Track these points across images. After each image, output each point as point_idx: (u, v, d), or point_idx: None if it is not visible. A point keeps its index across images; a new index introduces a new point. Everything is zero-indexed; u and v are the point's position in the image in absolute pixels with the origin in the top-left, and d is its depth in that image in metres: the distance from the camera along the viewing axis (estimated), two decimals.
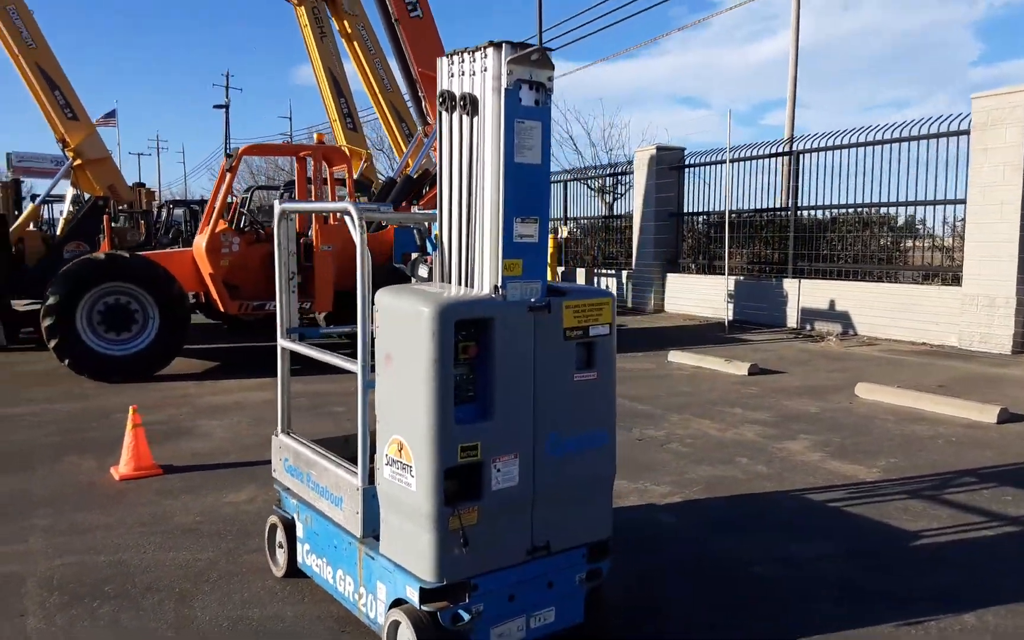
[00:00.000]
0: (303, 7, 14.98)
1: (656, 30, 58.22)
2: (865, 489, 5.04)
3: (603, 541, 3.14)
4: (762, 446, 6.00)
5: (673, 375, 8.91)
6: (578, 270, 17.18)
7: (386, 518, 2.92)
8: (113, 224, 18.74)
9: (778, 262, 13.45)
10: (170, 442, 6.16)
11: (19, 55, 12.90)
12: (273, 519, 3.81)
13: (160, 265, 9.12)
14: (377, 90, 14.40)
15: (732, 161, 13.35)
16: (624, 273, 15.87)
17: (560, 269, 17.37)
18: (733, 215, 13.67)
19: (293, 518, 3.66)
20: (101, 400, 7.70)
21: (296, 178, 10.26)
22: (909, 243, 12.46)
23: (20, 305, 10.15)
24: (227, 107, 51.26)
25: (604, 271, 16.59)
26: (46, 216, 20.97)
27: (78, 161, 13.39)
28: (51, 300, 8.51)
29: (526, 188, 2.84)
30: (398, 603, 2.85)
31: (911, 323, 10.95)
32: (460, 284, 2.95)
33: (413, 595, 2.75)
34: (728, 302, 12.96)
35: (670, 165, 14.85)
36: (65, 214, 14.93)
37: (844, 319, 11.87)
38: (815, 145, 12.61)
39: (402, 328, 2.76)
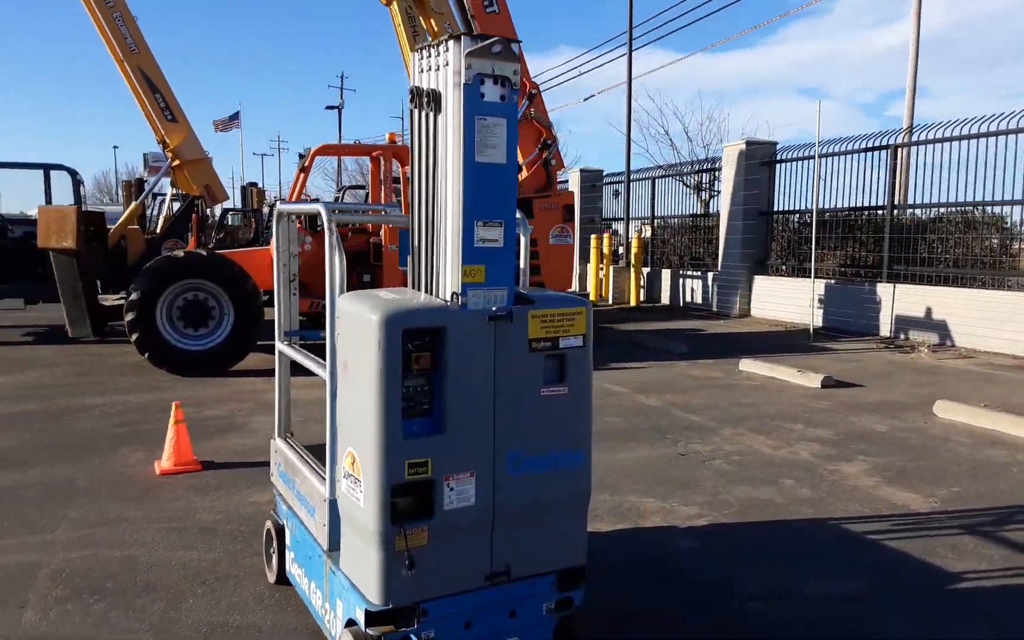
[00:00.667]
0: (396, 5, 15.21)
1: (772, 17, 56.10)
2: (915, 520, 4.60)
3: (575, 568, 2.94)
4: (813, 467, 5.59)
5: (740, 386, 8.49)
6: (663, 271, 16.73)
7: (344, 532, 2.82)
8: (226, 222, 19.60)
9: (872, 265, 12.65)
10: (219, 437, 6.31)
11: (123, 59, 13.62)
12: (268, 524, 3.79)
13: (235, 263, 9.40)
14: None
15: (823, 156, 12.65)
16: (710, 275, 15.33)
17: (645, 270, 16.99)
18: (828, 214, 12.97)
19: (283, 524, 3.63)
20: (172, 393, 7.96)
21: (370, 178, 10.39)
22: (1018, 246, 11.46)
23: (110, 300, 10.69)
24: (339, 108, 52.80)
25: (690, 272, 16.09)
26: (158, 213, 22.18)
27: (176, 161, 14.03)
28: (133, 296, 8.90)
29: (488, 189, 2.67)
30: (350, 623, 2.75)
31: (1015, 334, 10.06)
32: (425, 290, 2.82)
33: (360, 616, 2.65)
34: (818, 307, 12.30)
35: (760, 160, 14.22)
36: (165, 212, 15.69)
37: (941, 328, 11.04)
38: (919, 138, 11.77)
39: (355, 335, 2.65)
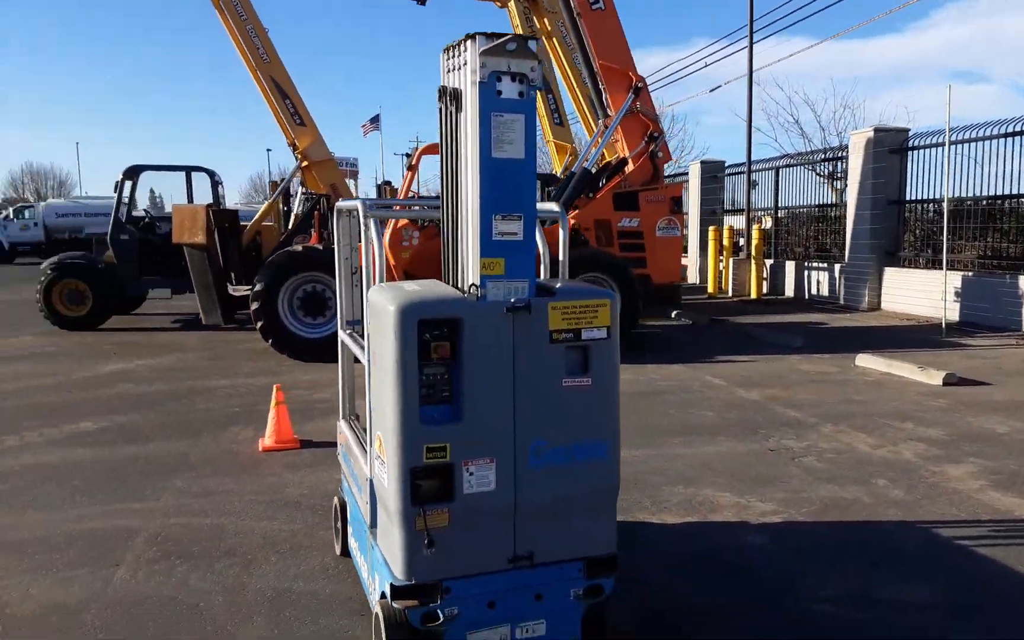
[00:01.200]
0: (513, 6, 15.42)
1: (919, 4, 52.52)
2: (1017, 528, 4.27)
3: (604, 557, 2.95)
4: (914, 468, 5.28)
5: (853, 381, 8.08)
6: (787, 263, 16.09)
7: (379, 511, 2.98)
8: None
9: (1015, 257, 11.67)
10: (323, 418, 6.68)
11: (256, 68, 14.53)
12: (335, 500, 4.03)
13: None
14: (575, 85, 14.48)
15: (959, 142, 11.78)
16: (837, 267, 14.60)
17: (768, 262, 16.40)
18: (969, 202, 12.08)
19: (346, 501, 3.85)
20: (291, 377, 8.46)
21: None
22: None
23: (240, 290, 11.47)
24: None
25: (815, 264, 15.39)
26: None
27: (305, 162, 14.84)
28: (257, 287, 9.55)
29: (506, 183, 2.73)
30: (383, 596, 2.90)
31: None
32: (451, 283, 2.93)
33: (388, 591, 2.79)
34: (953, 301, 11.50)
35: (890, 148, 13.40)
36: (296, 210, 16.61)
37: None
38: None
39: (378, 325, 2.79)
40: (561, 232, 3.44)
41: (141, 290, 12.83)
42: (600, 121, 11.63)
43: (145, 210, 14.67)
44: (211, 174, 13.68)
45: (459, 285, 2.86)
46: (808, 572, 3.79)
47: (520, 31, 15.93)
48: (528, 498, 2.80)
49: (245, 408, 7.13)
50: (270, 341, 9.59)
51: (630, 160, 11.10)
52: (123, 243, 12.37)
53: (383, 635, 2.76)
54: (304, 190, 16.04)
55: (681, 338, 11.20)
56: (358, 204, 3.16)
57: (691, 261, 19.84)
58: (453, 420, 2.71)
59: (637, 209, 10.85)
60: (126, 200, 12.72)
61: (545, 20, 14.46)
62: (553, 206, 3.54)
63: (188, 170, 13.62)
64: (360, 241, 3.37)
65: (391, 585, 2.75)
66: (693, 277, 19.38)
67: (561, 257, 3.43)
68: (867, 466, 5.32)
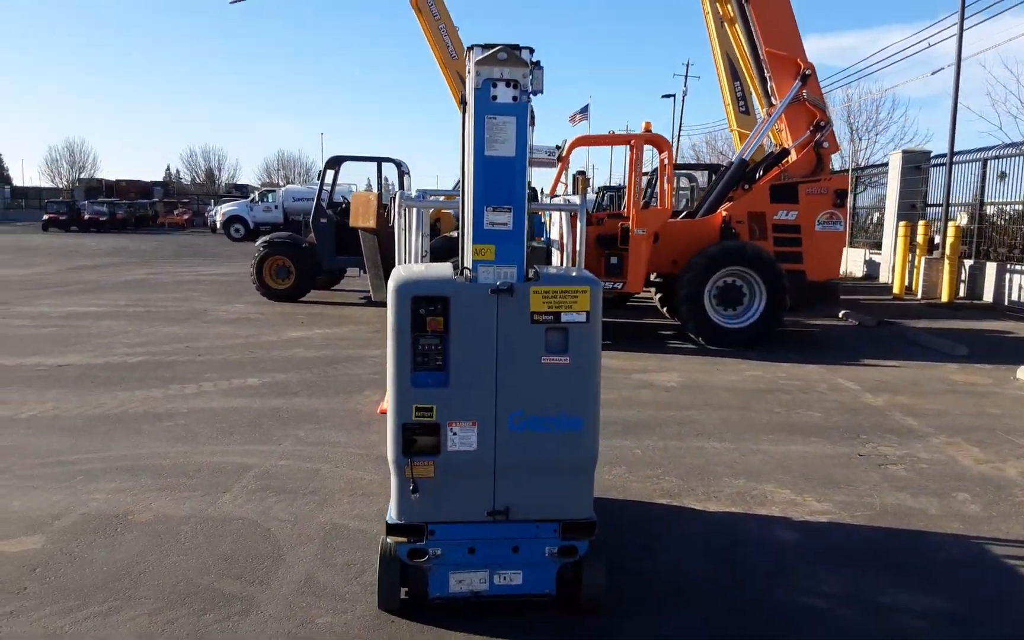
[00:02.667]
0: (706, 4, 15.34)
1: None
2: None
3: (580, 521, 3.25)
4: (1009, 486, 4.96)
5: (999, 395, 7.47)
6: (988, 265, 14.69)
7: None
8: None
9: None
10: None
11: (444, 65, 15.61)
12: None
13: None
14: (754, 73, 14.15)
15: None
16: None
17: (967, 263, 15.07)
18: None
19: None
20: None
21: (629, 163, 10.82)
22: None
23: None
24: (681, 96, 53.04)
25: (1019, 267, 13.94)
26: None
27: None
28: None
29: (497, 179, 3.10)
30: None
31: None
32: (459, 267, 3.34)
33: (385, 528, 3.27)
34: None
35: None
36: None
37: None
38: None
39: (389, 300, 3.26)
40: (578, 223, 3.73)
41: (337, 267, 14.32)
42: (764, 110, 11.37)
43: (343, 196, 16.25)
44: (398, 164, 14.87)
45: (462, 268, 3.27)
46: (813, 570, 3.81)
47: (711, 18, 15.76)
48: (506, 460, 3.17)
49: (384, 375, 7.91)
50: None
51: (792, 150, 10.78)
52: (322, 226, 13.83)
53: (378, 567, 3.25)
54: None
55: (836, 339, 10.76)
56: (397, 194, 3.66)
57: (884, 259, 18.61)
58: (441, 385, 3.13)
59: (796, 202, 10.52)
60: (328, 186, 14.19)
61: (728, 6, 14.25)
62: (574, 199, 3.84)
63: (379, 161, 14.90)
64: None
65: (386, 523, 3.23)
66: (885, 276, 18.17)
67: (578, 247, 3.73)
68: (957, 480, 5.06)
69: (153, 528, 4.16)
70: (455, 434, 3.15)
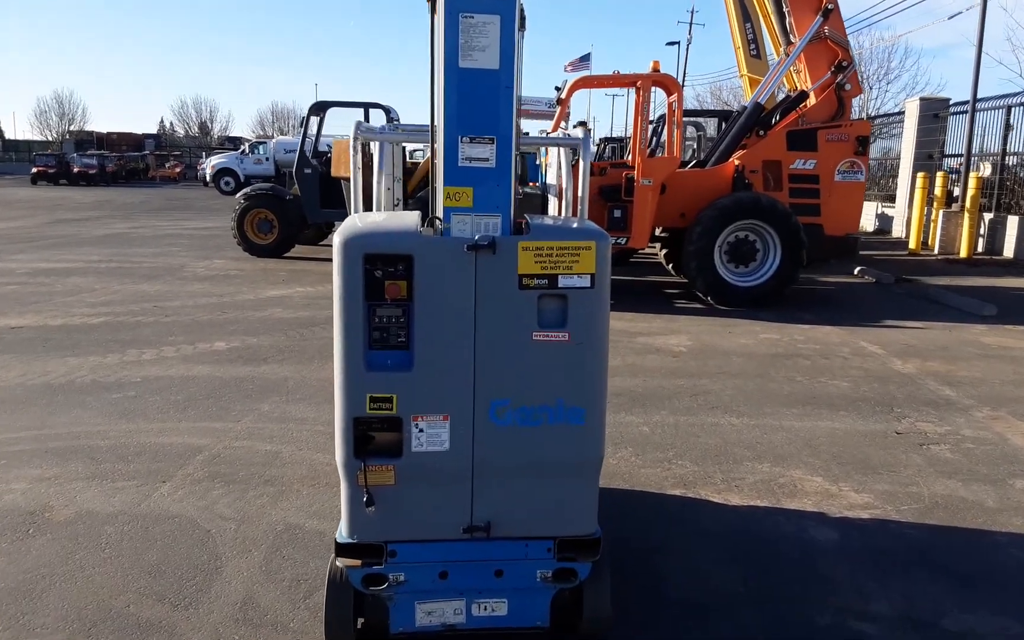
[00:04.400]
0: None
1: None
2: None
3: (581, 537, 2.58)
4: None
5: None
6: (1010, 218, 13.92)
7: None
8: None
9: None
10: None
11: None
12: None
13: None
14: (764, 9, 13.25)
15: None
16: None
17: (987, 217, 14.31)
18: None
19: None
20: None
21: (635, 107, 10.00)
22: None
23: None
24: (686, 44, 51.47)
25: None
26: None
27: None
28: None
29: (475, 99, 2.37)
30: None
31: None
32: (428, 216, 2.62)
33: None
34: None
35: None
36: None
37: None
38: None
39: (334, 257, 2.55)
40: (581, 163, 2.99)
41: (322, 221, 13.52)
42: (782, 49, 10.51)
43: (329, 145, 15.39)
44: (387, 111, 14.01)
45: (432, 218, 2.55)
46: (858, 581, 3.15)
47: None
48: (487, 463, 2.48)
49: None
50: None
51: (811, 93, 9.96)
52: (306, 177, 13.01)
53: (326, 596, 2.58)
54: None
55: (853, 297, 10.05)
56: (352, 130, 2.92)
57: (898, 213, 17.82)
58: (404, 368, 2.43)
59: (815, 149, 9.72)
60: (312, 135, 13.35)
61: None
62: (576, 132, 3.09)
63: (366, 107, 14.03)
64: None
65: (335, 541, 2.56)
66: (899, 230, 17.41)
67: (580, 191, 2.98)
68: (1011, 463, 4.40)
69: (72, 529, 3.49)
70: (421, 430, 2.45)
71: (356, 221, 2.51)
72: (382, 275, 2.39)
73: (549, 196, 4.96)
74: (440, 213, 2.42)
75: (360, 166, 2.81)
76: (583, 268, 2.42)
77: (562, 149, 3.20)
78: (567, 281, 2.42)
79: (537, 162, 9.82)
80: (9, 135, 76.56)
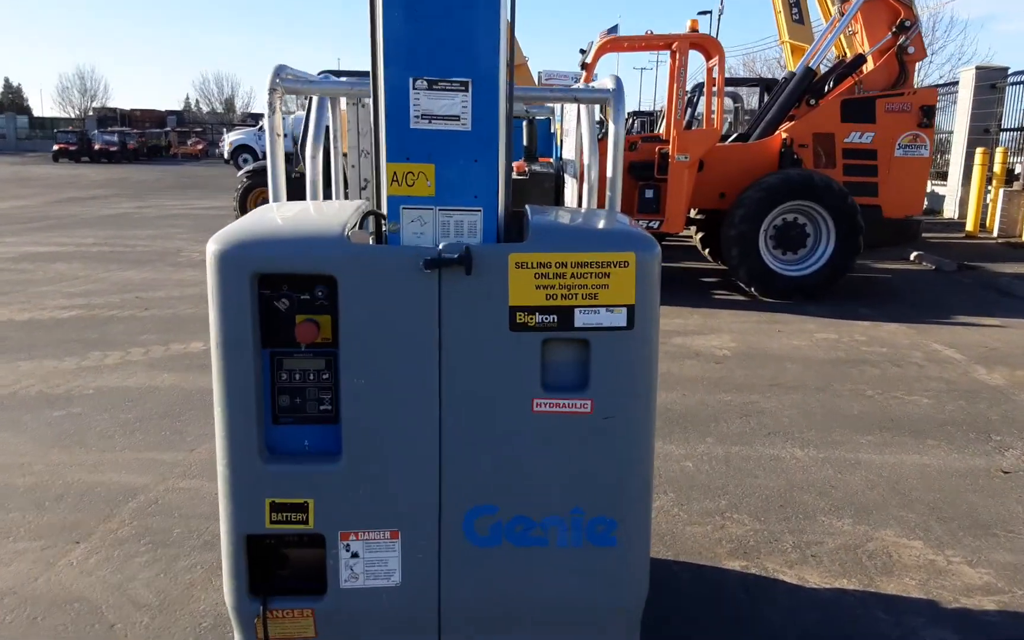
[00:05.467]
0: None
1: None
2: None
3: None
4: None
5: None
6: None
7: None
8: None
9: None
10: None
11: None
12: None
13: None
14: None
15: None
16: None
17: None
18: None
19: None
20: None
21: (669, 72, 8.96)
22: None
23: None
24: (717, 13, 49.71)
25: None
26: None
27: None
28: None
29: (435, 21, 1.44)
30: None
31: None
32: (374, 206, 1.69)
33: None
34: None
35: None
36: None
37: None
38: None
39: (209, 280, 1.62)
40: (612, 128, 2.02)
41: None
42: (835, 7, 9.36)
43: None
44: None
45: (377, 211, 1.63)
46: None
47: None
48: (461, 606, 1.57)
49: None
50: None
51: (869, 57, 8.84)
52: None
53: None
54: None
55: (913, 288, 8.97)
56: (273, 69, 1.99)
57: (950, 191, 16.56)
58: (327, 457, 1.53)
59: (873, 121, 8.61)
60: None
61: None
62: (607, 82, 2.10)
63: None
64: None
65: None
66: (951, 211, 16.16)
67: (611, 170, 2.02)
68: None
69: None
70: (356, 555, 1.55)
71: (249, 220, 1.60)
72: (289, 307, 1.48)
73: (566, 177, 3.95)
74: (384, 207, 1.50)
75: (276, 130, 1.89)
76: (615, 297, 1.48)
77: (584, 106, 2.23)
78: (589, 318, 1.49)
79: (552, 130, 8.71)
80: (36, 113, 76.73)
